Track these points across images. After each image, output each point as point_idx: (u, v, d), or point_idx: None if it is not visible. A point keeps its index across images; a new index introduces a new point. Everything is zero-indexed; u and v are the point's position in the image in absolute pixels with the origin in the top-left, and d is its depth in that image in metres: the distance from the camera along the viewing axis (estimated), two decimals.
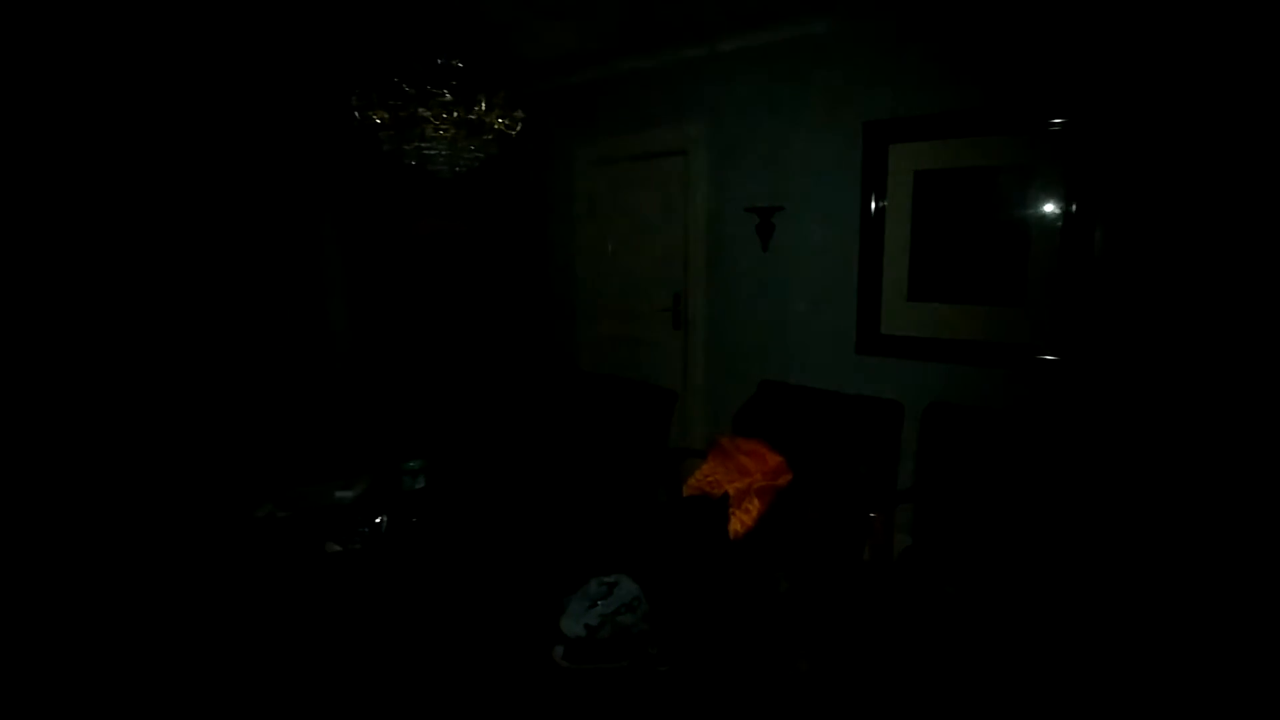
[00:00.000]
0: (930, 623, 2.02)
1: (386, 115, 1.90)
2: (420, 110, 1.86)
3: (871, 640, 2.07)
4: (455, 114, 1.90)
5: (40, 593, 2.59)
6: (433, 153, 1.95)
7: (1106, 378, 2.51)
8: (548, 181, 4.11)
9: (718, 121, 3.34)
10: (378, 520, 2.09)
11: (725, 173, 3.36)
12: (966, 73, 2.67)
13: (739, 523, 2.43)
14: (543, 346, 4.24)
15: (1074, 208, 2.51)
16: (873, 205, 2.95)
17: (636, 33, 3.11)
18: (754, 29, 3.06)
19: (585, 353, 4.06)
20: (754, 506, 2.46)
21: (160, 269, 3.36)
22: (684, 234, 3.55)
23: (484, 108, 1.96)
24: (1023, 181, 2.62)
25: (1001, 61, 2.59)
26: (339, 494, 2.35)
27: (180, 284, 3.45)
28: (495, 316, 4.36)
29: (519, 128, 2.11)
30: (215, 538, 2.21)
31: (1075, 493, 2.15)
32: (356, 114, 1.93)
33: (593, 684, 2.11)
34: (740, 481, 2.56)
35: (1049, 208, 2.59)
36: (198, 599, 2.37)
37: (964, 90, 2.67)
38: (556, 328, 4.20)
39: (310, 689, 2.06)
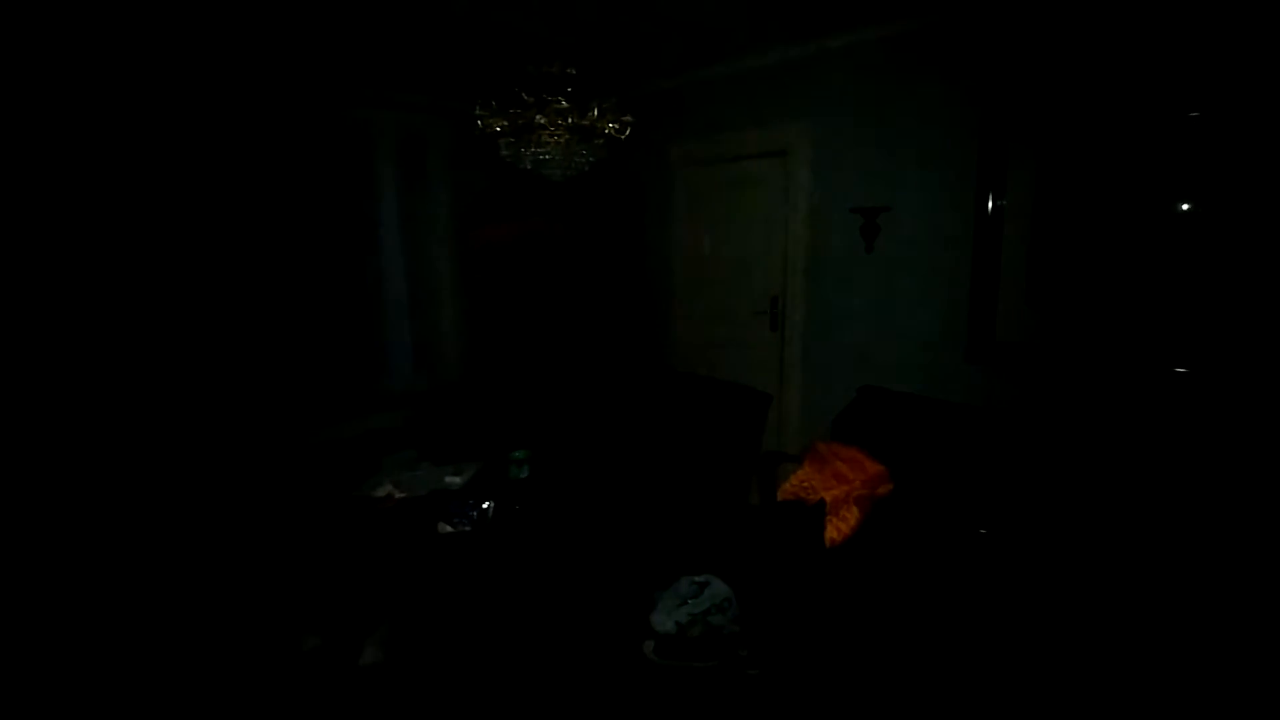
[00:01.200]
0: (1042, 653, 1.90)
1: (506, 123, 2.01)
2: (537, 117, 1.95)
3: (975, 665, 1.97)
4: (570, 120, 1.98)
5: (193, 561, 2.93)
6: (546, 157, 2.04)
7: (1244, 392, 2.25)
8: (646, 182, 4.17)
9: (822, 120, 3.27)
10: (485, 506, 2.21)
11: (829, 172, 3.28)
12: (1093, 61, 2.47)
13: (835, 531, 2.38)
14: (639, 346, 4.31)
15: (1215, 206, 2.28)
16: (989, 204, 2.80)
17: (743, 34, 3.10)
18: (864, 25, 2.97)
19: (680, 353, 4.09)
20: (852, 515, 2.40)
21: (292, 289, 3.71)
22: (784, 235, 3.50)
23: (596, 114, 2.03)
24: (1155, 177, 2.40)
25: (1131, 50, 2.38)
26: (449, 479, 2.51)
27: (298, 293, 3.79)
28: (593, 315, 4.47)
29: (628, 132, 2.17)
30: (340, 514, 2.42)
31: (1208, 520, 1.95)
32: (479, 123, 2.05)
33: (682, 681, 2.14)
34: (838, 489, 2.51)
35: (1185, 206, 2.36)
36: (328, 567, 2.60)
37: (1091, 79, 2.47)
38: (652, 328, 4.26)
39: (418, 658, 2.21)
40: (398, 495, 2.37)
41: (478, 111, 2.06)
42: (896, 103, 3.00)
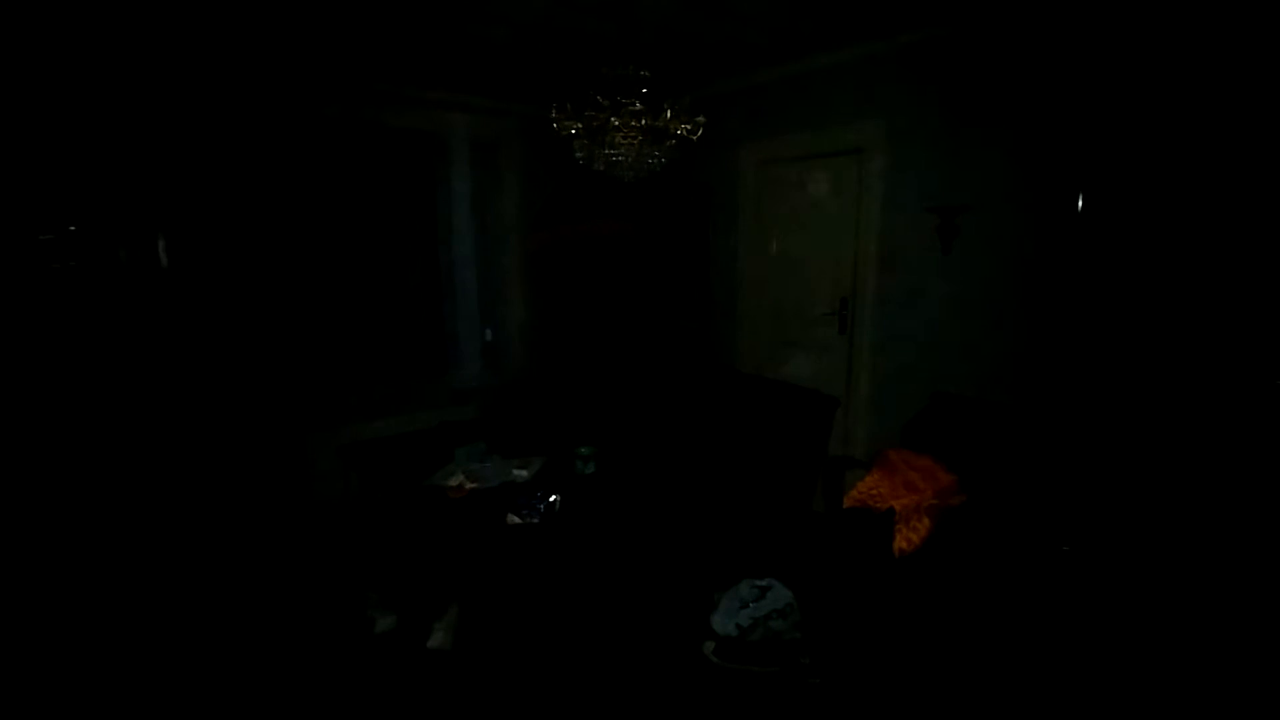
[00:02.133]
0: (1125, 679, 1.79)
1: (580, 126, 2.05)
2: (611, 120, 1.98)
3: (1053, 689, 1.88)
4: (643, 122, 2.00)
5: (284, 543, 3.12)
6: (619, 159, 2.07)
7: None
8: (713, 182, 4.15)
9: (899, 117, 3.17)
10: (552, 499, 2.26)
11: (904, 171, 3.18)
12: (1191, 52, 2.28)
13: (905, 541, 2.31)
14: (703, 346, 4.30)
15: None
16: (1080, 203, 2.64)
17: (817, 32, 3.04)
18: (941, 22, 2.86)
19: (746, 354, 4.05)
20: (922, 526, 2.33)
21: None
22: (855, 235, 3.42)
23: (669, 115, 2.04)
24: (1264, 172, 2.20)
25: (1237, 36, 2.18)
26: (515, 472, 2.58)
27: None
28: (658, 315, 4.50)
29: (700, 132, 2.17)
30: (414, 501, 2.52)
31: None
32: (554, 125, 2.10)
33: (741, 684, 2.13)
34: (908, 498, 2.43)
35: None
36: (403, 551, 2.72)
37: (1188, 69, 2.29)
38: (717, 328, 4.24)
39: (483, 644, 2.29)
40: (469, 485, 2.46)
41: (552, 115, 2.11)
42: (978, 98, 2.88)
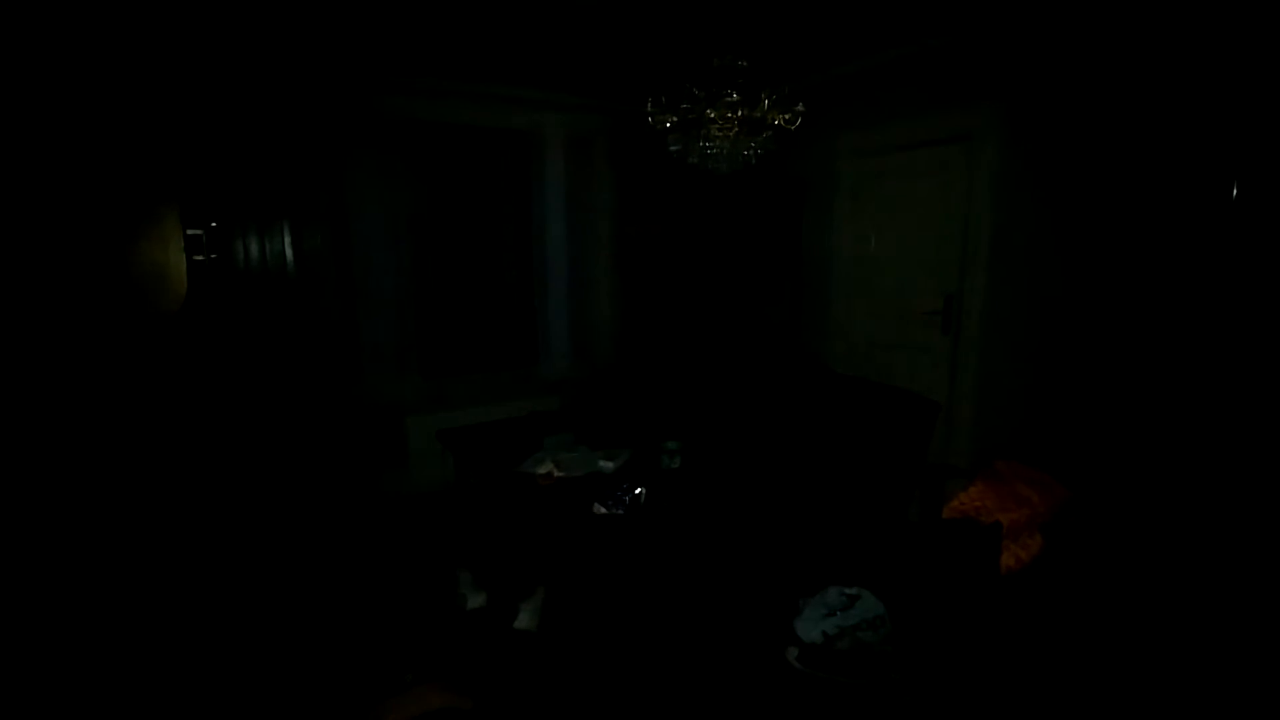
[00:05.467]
0: None
1: (675, 119, 2.03)
2: (708, 112, 1.94)
3: None
4: (740, 113, 1.95)
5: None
6: (714, 151, 2.04)
7: None
8: (807, 174, 4.02)
9: (1015, 101, 2.92)
10: (638, 492, 2.28)
11: (1020, 158, 2.93)
12: None
13: (1013, 558, 2.15)
14: (794, 343, 4.19)
15: None
16: (1234, 190, 2.34)
17: (922, 14, 2.86)
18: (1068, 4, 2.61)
19: (839, 352, 3.91)
20: (1034, 543, 2.16)
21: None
22: (963, 229, 3.20)
23: (767, 105, 1.98)
24: None
25: None
26: (602, 463, 2.62)
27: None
28: (748, 311, 4.43)
29: (799, 122, 2.09)
30: (504, 487, 2.61)
31: None
32: (649, 119, 2.09)
33: (826, 694, 2.05)
34: (1017, 512, 2.27)
35: None
36: (493, 532, 2.83)
37: None
38: (809, 325, 4.11)
39: (567, 629, 2.34)
40: (557, 474, 2.51)
41: (648, 108, 2.10)
42: (1105, 83, 2.60)
